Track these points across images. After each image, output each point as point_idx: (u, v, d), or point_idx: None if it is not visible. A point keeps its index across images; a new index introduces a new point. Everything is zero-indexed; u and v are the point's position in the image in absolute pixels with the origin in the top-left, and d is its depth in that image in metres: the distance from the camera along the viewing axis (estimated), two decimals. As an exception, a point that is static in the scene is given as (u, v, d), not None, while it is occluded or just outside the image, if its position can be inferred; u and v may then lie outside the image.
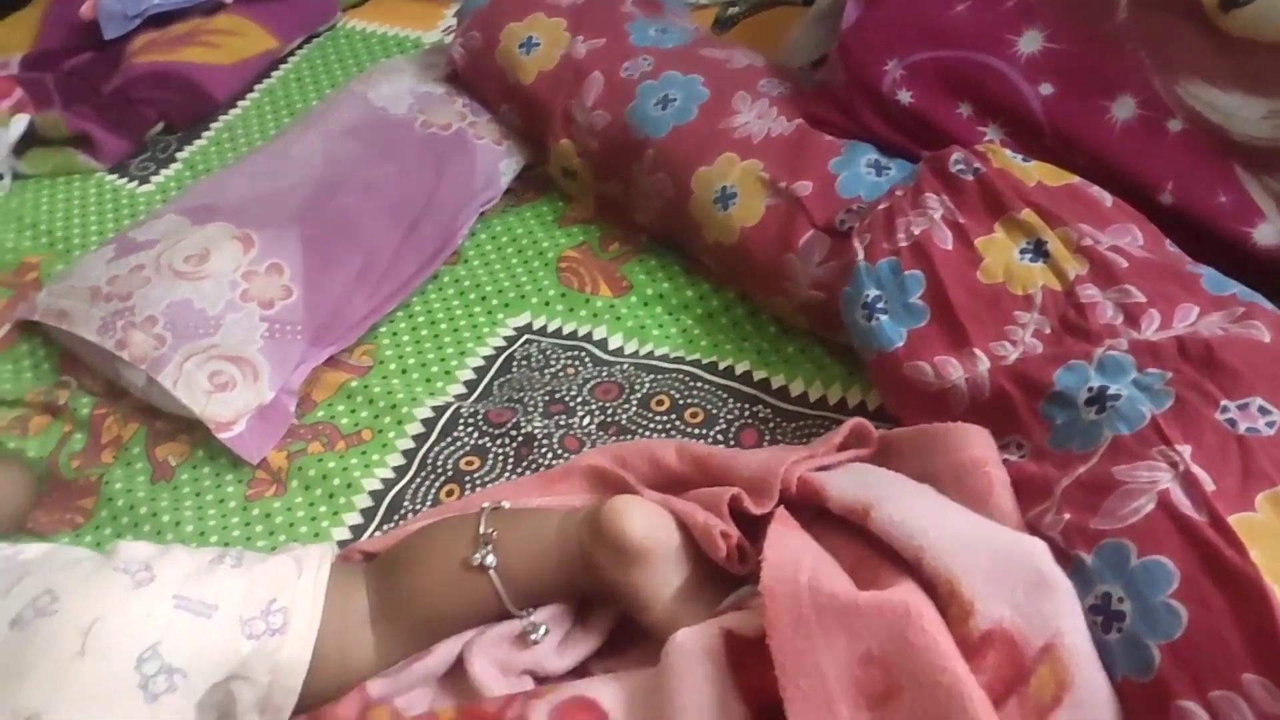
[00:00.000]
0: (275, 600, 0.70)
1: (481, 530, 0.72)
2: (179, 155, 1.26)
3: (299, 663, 0.69)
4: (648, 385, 0.91)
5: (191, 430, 0.94)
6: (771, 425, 0.86)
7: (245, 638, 0.68)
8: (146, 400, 0.96)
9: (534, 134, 1.10)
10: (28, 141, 1.25)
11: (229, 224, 1.03)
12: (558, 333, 0.98)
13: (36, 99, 1.27)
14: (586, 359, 0.95)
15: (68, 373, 1.02)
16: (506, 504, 0.75)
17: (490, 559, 0.71)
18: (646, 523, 0.68)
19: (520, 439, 0.88)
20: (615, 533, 0.68)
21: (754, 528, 0.70)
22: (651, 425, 0.88)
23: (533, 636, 0.72)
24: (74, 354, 1.02)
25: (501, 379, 0.95)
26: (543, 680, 0.72)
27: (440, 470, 0.88)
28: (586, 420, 0.89)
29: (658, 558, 0.68)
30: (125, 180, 1.24)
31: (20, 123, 1.23)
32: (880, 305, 0.77)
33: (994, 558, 0.59)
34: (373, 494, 0.88)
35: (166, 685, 0.64)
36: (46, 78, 1.31)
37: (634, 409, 0.89)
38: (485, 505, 0.74)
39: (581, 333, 0.98)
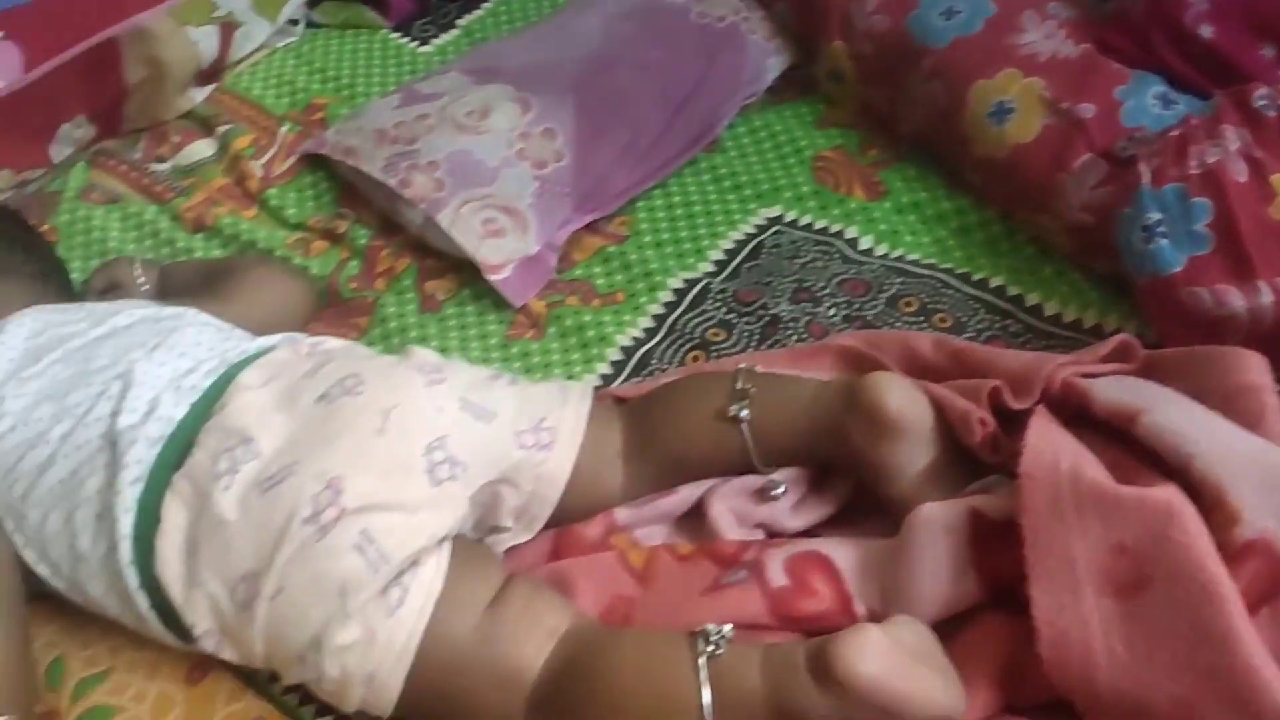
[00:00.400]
0: (545, 419, 0.76)
1: (738, 385, 0.76)
2: (458, 22, 1.33)
3: (559, 478, 0.75)
4: (896, 286, 0.93)
5: (459, 270, 1.01)
6: (1022, 341, 0.87)
7: (517, 447, 0.74)
8: (421, 238, 1.03)
9: (806, 34, 1.12)
10: (330, -7, 1.34)
11: (509, 86, 1.09)
12: (808, 227, 1.01)
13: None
14: (836, 255, 0.98)
15: (346, 205, 1.10)
16: (759, 367, 0.79)
17: (745, 413, 0.75)
18: (904, 399, 0.71)
19: (767, 319, 0.92)
20: (873, 405, 0.71)
21: (1008, 424, 0.71)
22: (898, 324, 0.90)
23: (773, 492, 0.76)
24: (354, 189, 1.10)
25: (751, 263, 0.99)
26: (774, 535, 0.76)
27: (688, 337, 0.93)
28: (832, 312, 0.92)
29: (910, 434, 0.71)
30: (407, 39, 1.31)
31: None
32: (1161, 229, 0.77)
33: (1265, 472, 0.60)
34: (623, 349, 0.93)
35: (449, 474, 0.70)
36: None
37: (881, 306, 0.92)
38: (742, 365, 0.78)
39: (833, 230, 1.00)
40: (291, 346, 0.80)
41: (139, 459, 0.72)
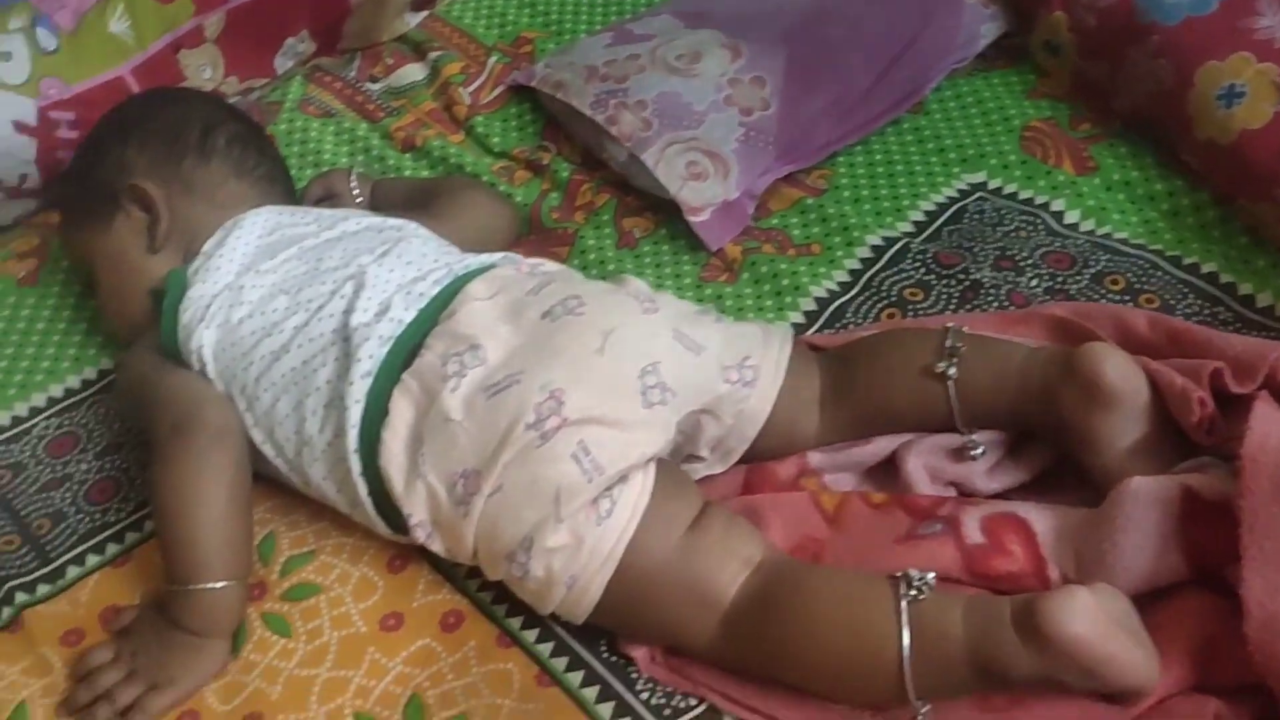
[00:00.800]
0: (749, 358, 0.78)
1: (948, 343, 0.77)
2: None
3: (760, 415, 0.77)
4: (1103, 263, 0.92)
5: (657, 209, 1.03)
6: (1232, 330, 0.85)
7: (722, 381, 0.76)
8: (622, 175, 1.06)
9: (1025, 2, 1.10)
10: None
11: (720, 32, 1.10)
12: (1013, 196, 1.00)
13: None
14: (1040, 226, 0.97)
15: (550, 139, 1.13)
16: (966, 328, 0.80)
17: (953, 371, 0.76)
18: (1122, 370, 0.71)
19: (967, 283, 0.92)
20: (1090, 374, 0.71)
21: (1225, 407, 0.71)
22: (1104, 300, 0.89)
23: (971, 453, 0.76)
24: (558, 122, 1.13)
25: (952, 227, 0.98)
26: (965, 495, 0.77)
27: (884, 294, 0.93)
28: (1034, 282, 0.91)
29: (1125, 406, 0.71)
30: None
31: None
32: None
33: None
34: (817, 300, 0.94)
35: (659, 398, 0.73)
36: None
37: (1085, 282, 0.91)
38: (950, 324, 0.79)
39: (1039, 201, 0.99)
40: (513, 265, 0.83)
41: (370, 355, 0.76)
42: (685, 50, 1.09)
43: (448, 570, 0.79)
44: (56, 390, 0.96)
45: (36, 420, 0.94)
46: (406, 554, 0.81)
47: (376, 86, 1.23)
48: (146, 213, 0.91)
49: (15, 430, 0.93)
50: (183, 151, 0.93)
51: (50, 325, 1.02)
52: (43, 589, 0.81)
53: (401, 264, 0.83)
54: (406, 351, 0.76)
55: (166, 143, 0.93)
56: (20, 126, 1.02)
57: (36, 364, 0.98)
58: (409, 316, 0.78)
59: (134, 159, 0.92)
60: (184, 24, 1.11)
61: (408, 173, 1.13)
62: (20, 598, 0.81)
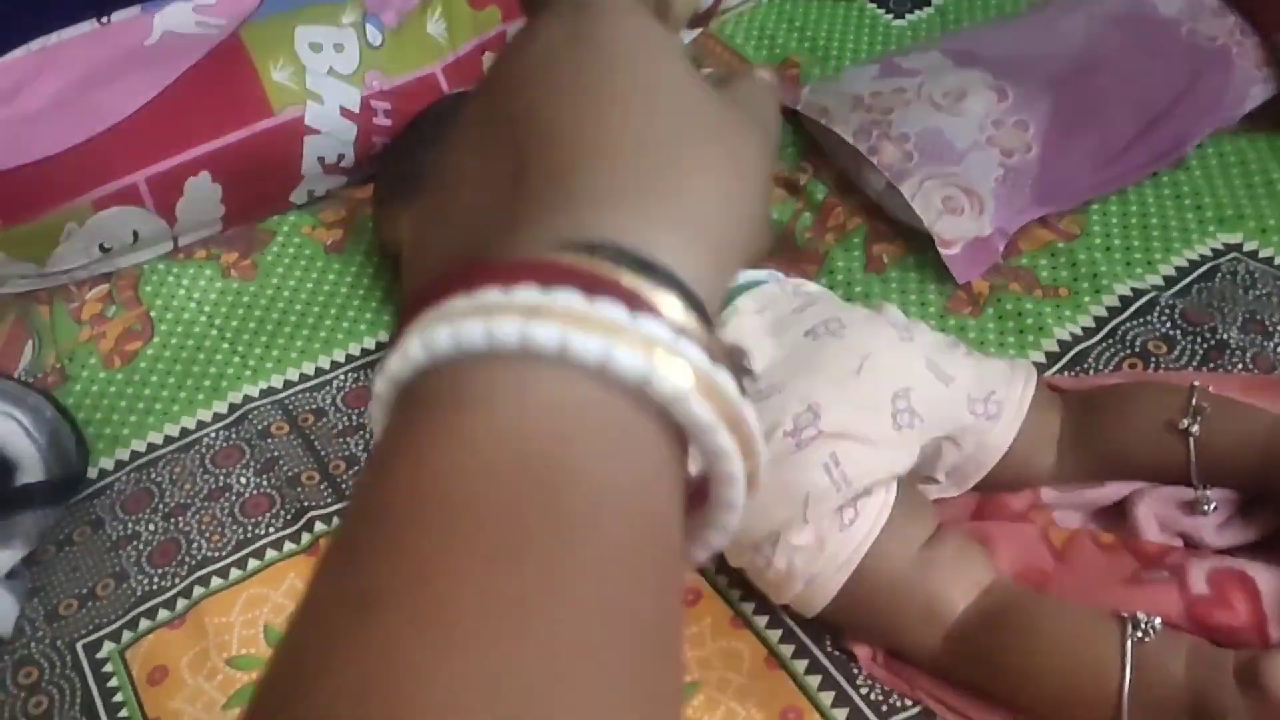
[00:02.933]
0: (995, 392, 0.83)
1: (1194, 401, 0.80)
2: (933, 1, 1.39)
3: (999, 448, 0.82)
4: (1360, 336, 0.92)
5: (908, 238, 1.08)
6: None
7: (968, 412, 0.81)
8: (878, 202, 1.11)
9: (1302, 67, 1.10)
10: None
11: (988, 74, 1.14)
12: (1269, 260, 1.01)
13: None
14: (1295, 293, 0.98)
15: (808, 160, 1.20)
16: (1211, 388, 0.82)
17: (1196, 428, 0.79)
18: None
19: (1213, 342, 0.94)
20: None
21: None
22: (1355, 375, 0.89)
23: (1204, 507, 0.79)
24: (817, 145, 1.20)
25: (1203, 285, 1.00)
26: (1194, 547, 0.80)
27: (1128, 344, 0.96)
28: (1282, 348, 0.92)
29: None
30: (884, 11, 1.38)
31: (812, -61, 1.40)
32: None
33: None
34: (1060, 343, 0.98)
35: (908, 422, 0.79)
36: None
37: (1338, 354, 0.91)
38: (1196, 383, 0.82)
39: (1295, 268, 1.00)
40: (779, 283, 0.91)
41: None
42: (951, 88, 1.13)
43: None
44: (354, 349, 1.09)
45: (336, 373, 1.07)
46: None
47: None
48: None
49: (318, 380, 1.07)
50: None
51: (351, 290, 1.15)
52: (337, 521, 0.94)
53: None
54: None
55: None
56: (345, 112, 1.16)
57: (338, 324, 1.12)
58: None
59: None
60: (491, 29, 1.23)
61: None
62: (319, 527, 0.93)
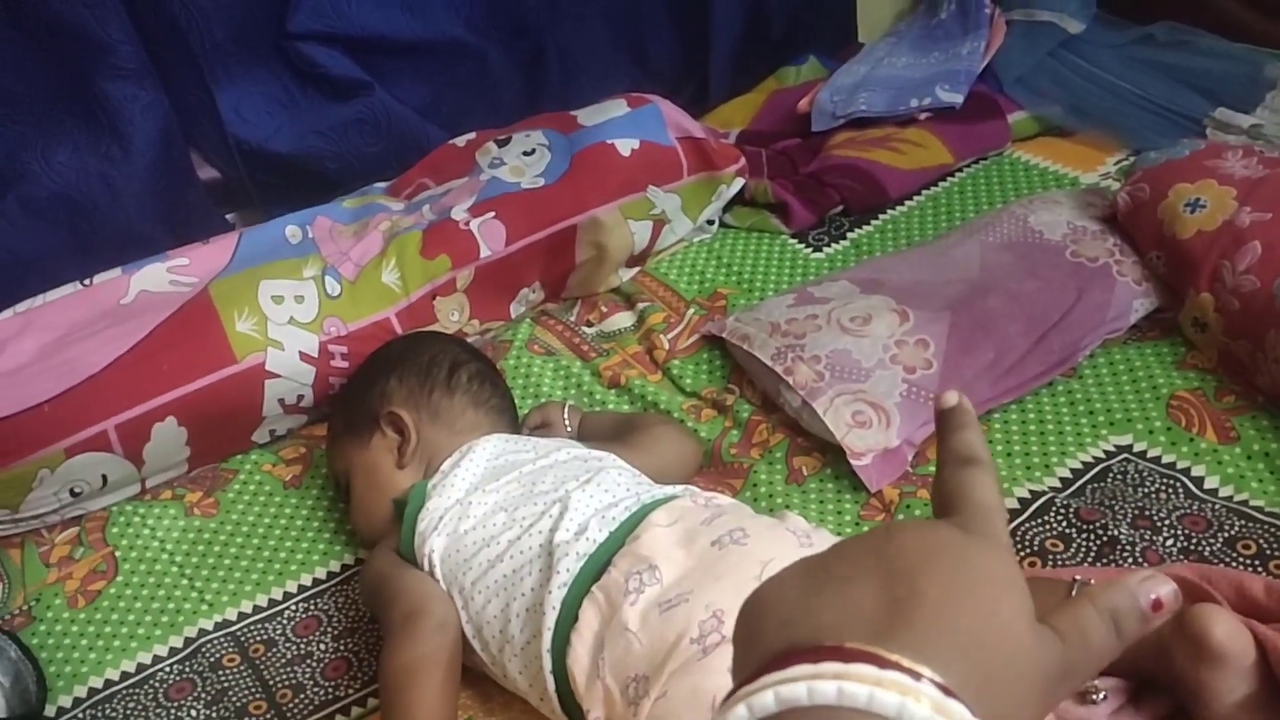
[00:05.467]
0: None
1: (1074, 594, 0.85)
2: (849, 235, 1.52)
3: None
4: (1237, 528, 0.99)
5: (825, 451, 1.16)
6: (1361, 598, 0.90)
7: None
8: (795, 418, 1.20)
9: (1174, 283, 1.21)
10: (735, 200, 1.57)
11: (890, 298, 1.25)
12: (1156, 460, 1.08)
13: (750, 168, 1.58)
14: (1180, 490, 1.05)
15: (735, 383, 1.29)
16: (1093, 581, 0.88)
17: (1076, 620, 0.84)
18: (1229, 631, 0.78)
19: (1105, 539, 1.00)
20: (1199, 633, 0.78)
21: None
22: (1234, 564, 0.95)
23: (1093, 697, 0.83)
24: (743, 369, 1.29)
25: (1096, 485, 1.07)
26: (1089, 738, 0.84)
27: (1027, 543, 1.02)
28: (1170, 542, 0.99)
29: (1232, 664, 0.77)
30: (804, 246, 1.51)
31: (737, 184, 1.55)
32: None
33: None
34: (965, 545, 1.04)
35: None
36: (760, 152, 1.63)
37: (1219, 545, 0.97)
38: (1077, 578, 0.87)
39: (1180, 466, 1.07)
40: (691, 497, 0.98)
41: (568, 569, 0.91)
42: (859, 313, 1.24)
43: (618, 763, 0.91)
44: (306, 579, 1.15)
45: (288, 604, 1.13)
46: (583, 746, 0.93)
47: (591, 330, 1.43)
48: (399, 435, 1.11)
49: (271, 611, 1.12)
50: (432, 384, 1.13)
51: (306, 523, 1.22)
52: (282, 747, 0.98)
53: (600, 491, 0.98)
54: (597, 568, 0.91)
55: (420, 377, 1.14)
56: (304, 356, 1.26)
57: (293, 555, 1.18)
58: (601, 537, 0.93)
59: (393, 390, 1.13)
60: (441, 276, 1.34)
61: (611, 406, 1.30)
62: (264, 753, 0.97)
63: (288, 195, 1.50)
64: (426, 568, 0.99)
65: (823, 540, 0.91)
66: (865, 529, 1.06)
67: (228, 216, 1.56)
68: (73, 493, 1.20)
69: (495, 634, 0.93)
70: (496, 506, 1.00)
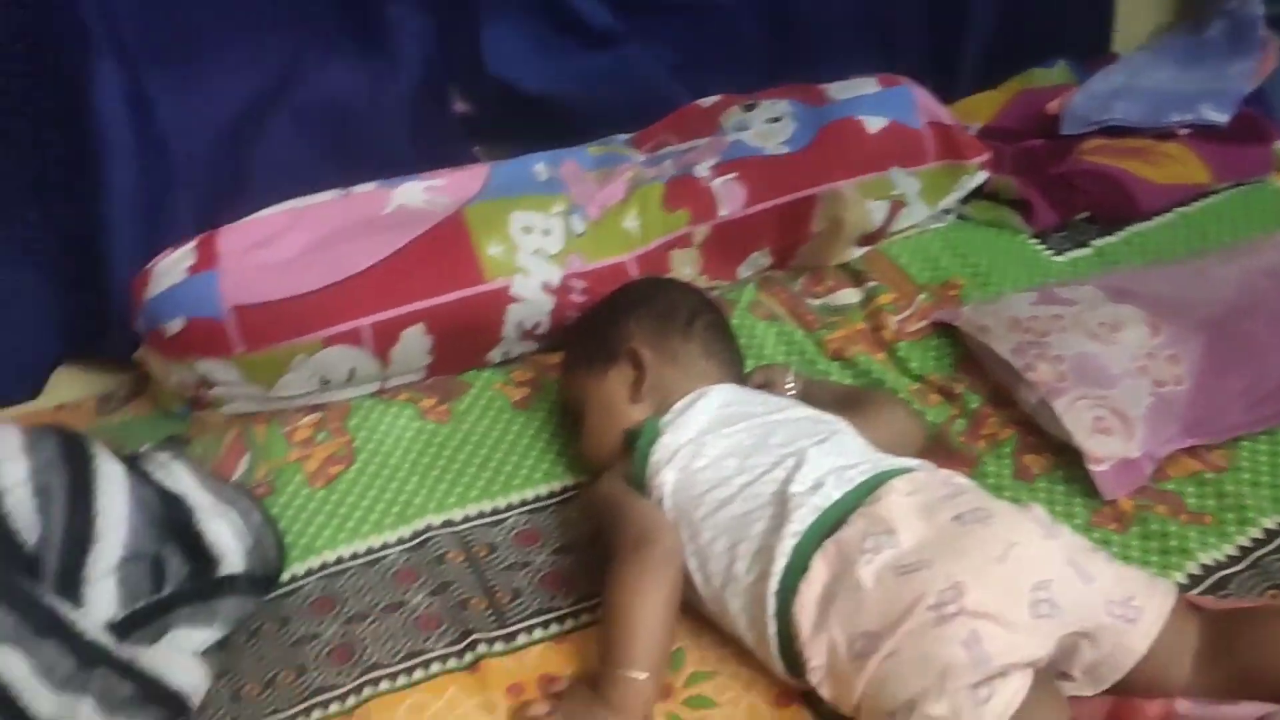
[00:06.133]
0: (1134, 598, 0.86)
1: None
2: (1092, 243, 1.48)
3: (1136, 651, 0.86)
4: None
5: (1058, 452, 1.14)
6: None
7: (1106, 614, 0.85)
8: (1030, 416, 1.18)
9: None
10: (973, 193, 1.55)
11: (1142, 310, 1.21)
12: None
13: (994, 163, 1.55)
14: None
15: (963, 372, 1.28)
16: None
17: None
18: None
19: (1357, 580, 0.96)
20: None
21: None
22: None
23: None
24: (973, 359, 1.28)
25: (1350, 526, 1.03)
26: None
27: (1272, 575, 0.99)
28: None
29: None
30: (1043, 247, 1.48)
31: (980, 176, 1.52)
32: None
33: None
34: (1204, 566, 1.01)
35: (1047, 611, 0.83)
36: (1005, 148, 1.60)
37: None
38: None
39: None
40: (930, 471, 0.98)
41: (802, 520, 0.92)
42: (1106, 319, 1.21)
43: (825, 717, 0.92)
44: (529, 494, 1.19)
45: (510, 514, 1.17)
46: (790, 694, 0.94)
47: (816, 302, 1.43)
48: (636, 371, 1.14)
49: (495, 518, 1.17)
50: (672, 329, 1.16)
51: (531, 442, 1.26)
52: (498, 646, 1.01)
53: (836, 451, 0.99)
54: (831, 523, 0.91)
55: (661, 319, 1.17)
56: (546, 287, 1.30)
57: (517, 470, 1.22)
58: (837, 495, 0.94)
59: (635, 328, 1.16)
60: (678, 230, 1.37)
61: (833, 377, 1.30)
62: (480, 649, 1.01)
63: (531, 136, 1.55)
64: (656, 498, 1.01)
65: (1065, 535, 0.90)
66: (1096, 536, 1.05)
67: (474, 149, 1.62)
68: (322, 381, 1.27)
69: (719, 570, 0.95)
70: (728, 451, 1.02)
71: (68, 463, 1.05)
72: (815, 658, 0.87)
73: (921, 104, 1.50)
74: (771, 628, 0.91)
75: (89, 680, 0.92)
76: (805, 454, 0.98)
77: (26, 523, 1.02)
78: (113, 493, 1.05)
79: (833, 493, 0.94)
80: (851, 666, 0.85)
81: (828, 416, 1.07)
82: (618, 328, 1.17)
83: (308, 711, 0.97)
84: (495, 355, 1.35)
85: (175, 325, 1.23)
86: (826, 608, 0.87)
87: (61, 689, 0.92)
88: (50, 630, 0.96)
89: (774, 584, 0.90)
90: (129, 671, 0.94)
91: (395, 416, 1.28)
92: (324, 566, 1.12)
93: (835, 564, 0.89)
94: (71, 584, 1.01)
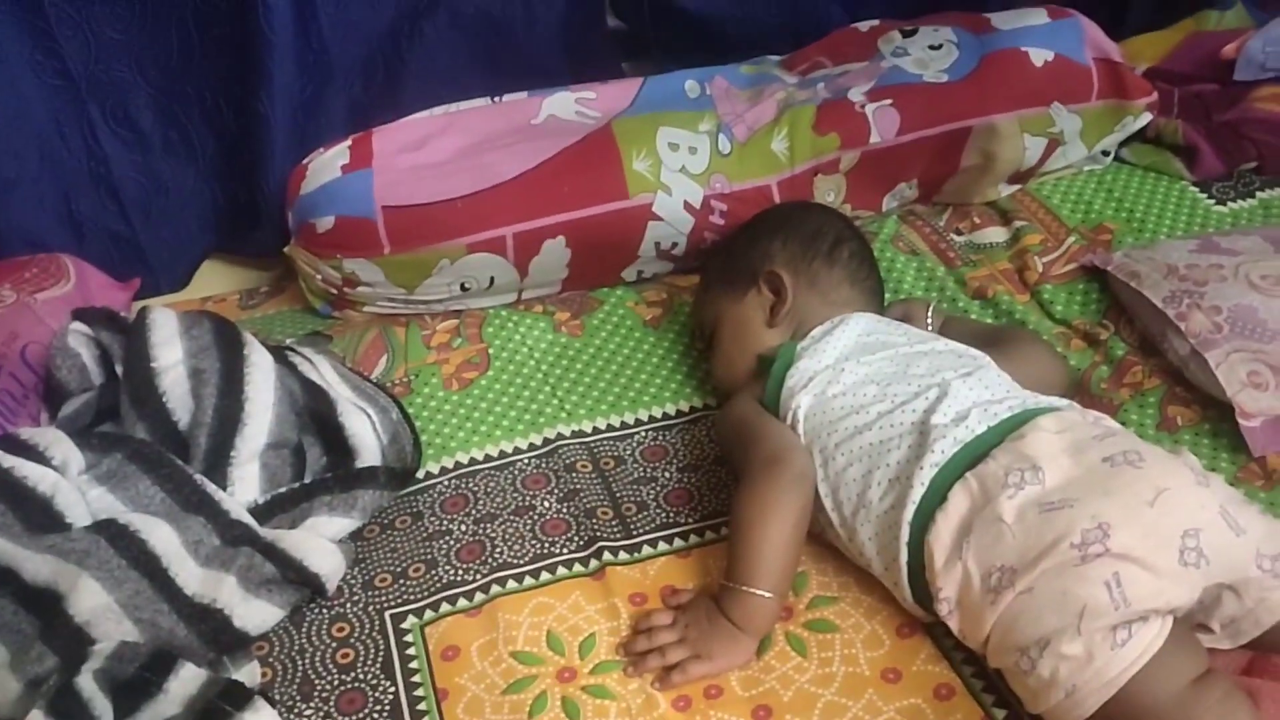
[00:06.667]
0: (1283, 555, 0.84)
1: None
2: (1258, 194, 1.41)
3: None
4: None
5: (1205, 405, 1.10)
6: None
7: (1255, 567, 0.83)
8: (1178, 367, 1.14)
9: None
10: (1134, 136, 1.49)
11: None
12: None
13: (1161, 106, 1.48)
14: None
15: (1110, 319, 1.24)
16: None
17: None
18: None
19: None
20: None
21: None
22: None
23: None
24: (1121, 306, 1.24)
25: None
26: None
27: None
28: None
29: None
30: (1205, 196, 1.41)
31: (1144, 118, 1.46)
32: None
33: None
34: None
35: (1194, 560, 0.81)
36: (1173, 91, 1.52)
37: None
38: None
39: None
40: (1078, 412, 0.95)
41: (943, 450, 0.91)
42: (1271, 272, 1.15)
43: (947, 651, 0.91)
44: (657, 411, 1.20)
45: (638, 430, 1.18)
46: (914, 625, 0.94)
47: (960, 239, 1.40)
48: (775, 295, 1.13)
49: (623, 432, 1.18)
50: (815, 253, 1.15)
51: (661, 361, 1.27)
52: (622, 555, 1.03)
53: (980, 386, 0.97)
54: (973, 456, 0.90)
55: (804, 244, 1.15)
56: (688, 206, 1.30)
57: (646, 387, 1.23)
58: (981, 429, 0.92)
59: (777, 251, 1.15)
60: (827, 154, 1.35)
61: (973, 315, 1.28)
62: (605, 556, 1.03)
63: (683, 54, 1.54)
64: (789, 421, 1.01)
65: (1218, 484, 0.87)
66: (1242, 491, 1.01)
67: (623, 65, 1.61)
68: (463, 287, 1.29)
69: (851, 496, 0.95)
70: (867, 379, 1.01)
71: (221, 348, 1.10)
72: (946, 589, 0.87)
73: (1090, 38, 1.44)
74: (903, 556, 0.90)
75: (234, 558, 0.97)
76: (949, 386, 0.96)
77: (180, 404, 1.07)
78: (261, 381, 1.09)
79: (976, 426, 0.92)
80: (984, 600, 0.84)
81: (973, 352, 1.05)
82: (760, 250, 1.16)
83: (436, 605, 1.00)
84: (629, 273, 1.35)
85: (326, 222, 1.26)
86: (962, 539, 0.86)
87: (207, 564, 0.96)
88: (198, 508, 1.01)
89: (909, 512, 0.90)
90: (271, 552, 0.98)
91: (530, 327, 1.29)
92: (457, 466, 1.15)
93: (975, 497, 0.87)
94: (218, 466, 1.06)
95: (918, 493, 0.90)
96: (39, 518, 0.96)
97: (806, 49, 1.50)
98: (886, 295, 1.28)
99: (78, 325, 1.14)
